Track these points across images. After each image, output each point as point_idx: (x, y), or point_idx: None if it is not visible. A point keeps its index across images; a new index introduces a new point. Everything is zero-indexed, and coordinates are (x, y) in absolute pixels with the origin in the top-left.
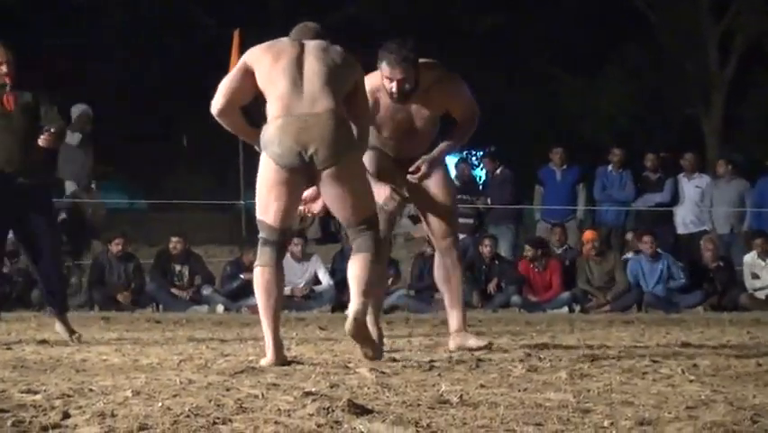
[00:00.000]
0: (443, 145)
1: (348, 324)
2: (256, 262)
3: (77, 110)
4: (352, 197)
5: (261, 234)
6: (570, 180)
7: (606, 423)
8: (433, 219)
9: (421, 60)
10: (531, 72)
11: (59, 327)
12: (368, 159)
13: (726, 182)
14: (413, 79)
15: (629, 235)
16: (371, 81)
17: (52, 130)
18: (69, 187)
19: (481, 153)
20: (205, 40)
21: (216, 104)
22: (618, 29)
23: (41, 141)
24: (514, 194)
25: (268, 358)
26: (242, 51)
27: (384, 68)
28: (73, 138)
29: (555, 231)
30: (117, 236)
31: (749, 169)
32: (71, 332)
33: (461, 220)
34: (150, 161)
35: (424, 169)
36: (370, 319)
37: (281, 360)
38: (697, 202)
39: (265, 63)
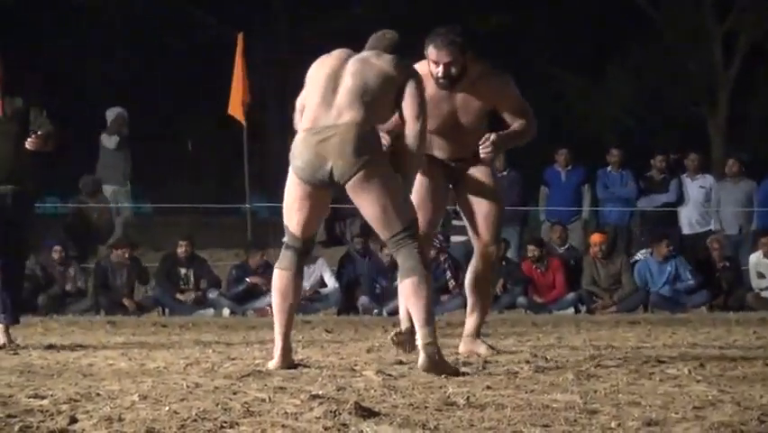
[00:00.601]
0: (512, 130)
1: (420, 358)
2: (277, 264)
3: (111, 113)
4: (377, 208)
5: (285, 239)
6: (574, 181)
7: (613, 424)
8: (478, 226)
9: (470, 53)
10: (534, 73)
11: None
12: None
13: (733, 182)
14: (460, 64)
15: (642, 239)
16: (419, 70)
17: (39, 132)
18: (107, 190)
19: None
20: (207, 41)
21: (294, 120)
22: (621, 28)
23: (29, 143)
24: (521, 196)
25: (275, 361)
26: (245, 55)
27: (431, 51)
28: (110, 141)
29: (556, 230)
30: (123, 244)
31: (755, 168)
32: (7, 342)
33: (460, 223)
34: (154, 166)
35: (492, 140)
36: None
37: (288, 363)
38: (701, 202)
39: (311, 76)
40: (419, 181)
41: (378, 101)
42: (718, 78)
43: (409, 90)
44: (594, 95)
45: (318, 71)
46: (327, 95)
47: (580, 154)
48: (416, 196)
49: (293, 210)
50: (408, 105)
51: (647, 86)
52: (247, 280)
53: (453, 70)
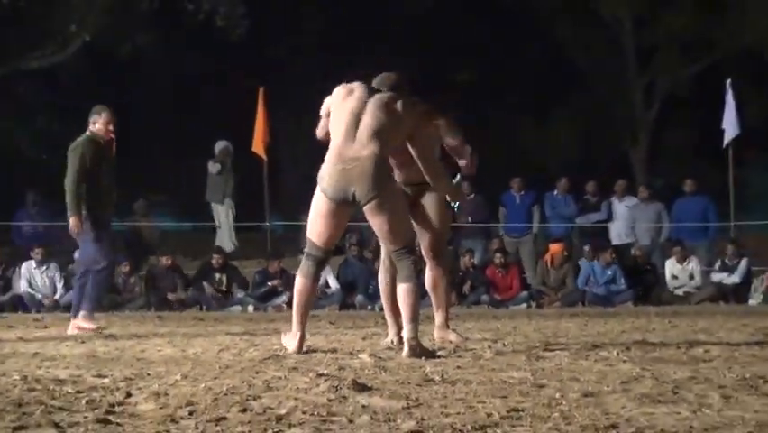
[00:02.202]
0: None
1: (405, 349)
2: (298, 272)
3: (219, 146)
4: (388, 226)
5: (307, 249)
6: (527, 203)
7: (557, 395)
8: (428, 241)
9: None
10: (493, 117)
11: None
12: None
13: (645, 204)
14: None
15: (586, 248)
16: None
17: None
18: (215, 208)
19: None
20: (237, 92)
21: (318, 128)
22: (561, 80)
23: None
24: (486, 215)
25: (293, 346)
26: (265, 106)
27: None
28: (214, 168)
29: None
30: (167, 254)
31: (669, 191)
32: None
33: None
34: (194, 191)
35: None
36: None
37: (302, 347)
38: (627, 219)
39: (336, 106)
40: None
41: (391, 137)
42: (640, 119)
43: (421, 130)
44: (541, 133)
45: (342, 106)
46: (350, 131)
47: (531, 181)
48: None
49: (318, 224)
50: (423, 139)
51: (583, 125)
52: (268, 283)
53: None
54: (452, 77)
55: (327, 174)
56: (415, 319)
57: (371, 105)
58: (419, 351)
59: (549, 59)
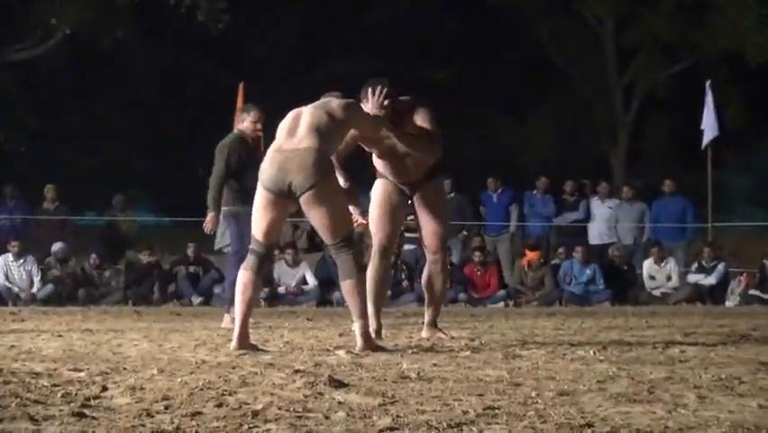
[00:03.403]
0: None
1: (357, 346)
2: (242, 265)
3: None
4: (325, 218)
5: (251, 245)
6: (504, 202)
7: (533, 394)
8: (426, 240)
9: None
10: (474, 115)
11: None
12: (376, 194)
13: (629, 204)
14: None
15: (561, 249)
16: None
17: None
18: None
19: None
20: (218, 89)
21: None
22: (543, 80)
23: None
24: (468, 214)
25: (233, 343)
26: (245, 100)
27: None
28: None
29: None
30: (145, 247)
31: (647, 192)
32: None
33: (411, 235)
34: (173, 186)
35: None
36: (374, 313)
37: (244, 346)
38: (608, 219)
39: (283, 122)
40: (377, 203)
41: (329, 132)
42: (619, 120)
43: (365, 123)
44: (521, 133)
45: (287, 117)
46: (292, 128)
47: (510, 180)
48: (375, 214)
49: (259, 218)
50: (372, 131)
51: (563, 126)
52: None
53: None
54: (429, 75)
55: (266, 165)
56: (364, 315)
57: (311, 107)
58: (372, 347)
59: (529, 58)
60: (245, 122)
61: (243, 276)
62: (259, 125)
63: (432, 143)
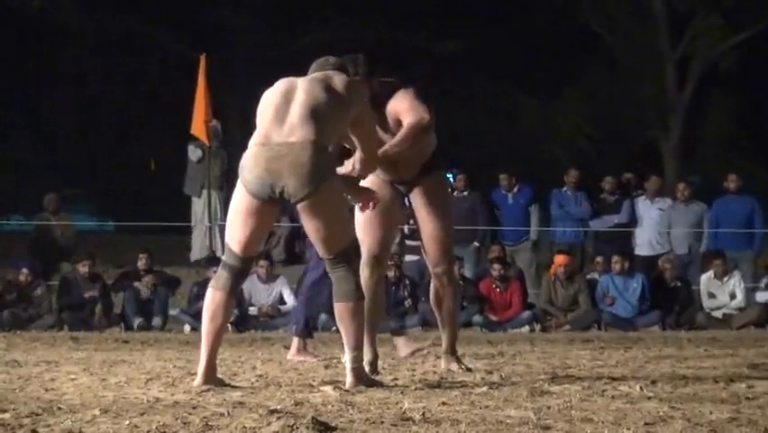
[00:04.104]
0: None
1: (348, 381)
2: (211, 283)
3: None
4: (324, 229)
5: (224, 257)
6: (522, 202)
7: None
8: (427, 247)
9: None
10: (489, 94)
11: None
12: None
13: (684, 205)
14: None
15: (599, 259)
16: None
17: None
18: (193, 203)
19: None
20: (172, 64)
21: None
22: (577, 52)
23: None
24: (484, 217)
25: (197, 379)
26: (207, 76)
27: None
28: (194, 153)
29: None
30: (84, 258)
31: (706, 189)
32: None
33: (412, 243)
34: (117, 185)
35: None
36: (367, 340)
37: (211, 381)
38: (658, 224)
39: (264, 99)
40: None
41: (330, 118)
42: (671, 101)
43: (365, 114)
44: (549, 116)
45: (271, 93)
46: (280, 111)
47: (534, 175)
48: (362, 217)
49: (238, 226)
50: (367, 125)
51: (601, 108)
52: None
53: None
54: (434, 46)
55: (250, 162)
56: (359, 346)
57: (305, 82)
58: (365, 380)
59: (558, 26)
60: None
61: (213, 297)
62: None
63: (414, 136)
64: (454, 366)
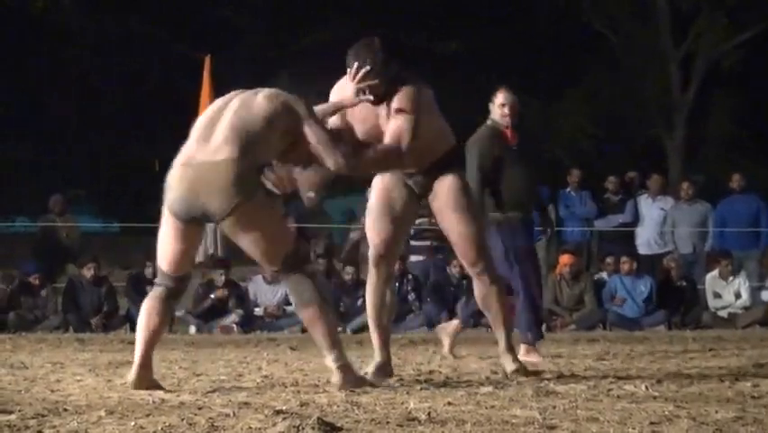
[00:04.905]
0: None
1: (334, 380)
2: (149, 295)
3: None
4: (257, 245)
5: (157, 278)
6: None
7: None
8: (458, 248)
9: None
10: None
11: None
12: (374, 190)
13: (688, 204)
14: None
15: (609, 259)
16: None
17: None
18: None
19: None
20: (174, 64)
21: None
22: (579, 51)
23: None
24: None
25: (130, 378)
26: (212, 77)
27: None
28: None
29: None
30: (89, 261)
31: (711, 189)
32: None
33: (417, 243)
34: (123, 186)
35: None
36: (377, 343)
37: (144, 384)
38: (660, 223)
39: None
40: (373, 201)
41: (257, 138)
42: (675, 100)
43: (308, 132)
44: (551, 116)
45: (206, 112)
46: (207, 130)
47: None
48: (370, 216)
49: (165, 246)
50: (318, 151)
51: (604, 108)
52: (212, 296)
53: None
54: (435, 46)
55: (173, 182)
56: (335, 345)
57: (236, 100)
58: (353, 381)
59: (560, 26)
60: (493, 107)
61: (147, 304)
62: (506, 110)
63: (383, 163)
64: (508, 366)
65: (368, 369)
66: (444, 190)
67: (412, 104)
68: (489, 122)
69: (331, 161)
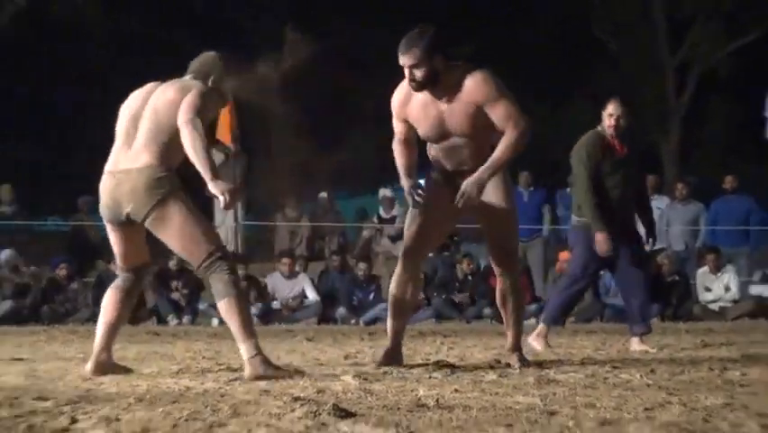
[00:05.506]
0: (488, 163)
1: (246, 372)
2: (111, 285)
3: None
4: (177, 243)
5: (116, 270)
6: (536, 201)
7: (570, 424)
8: (490, 247)
9: (457, 63)
10: None
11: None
12: (426, 184)
13: (682, 204)
14: (425, 67)
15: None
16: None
17: None
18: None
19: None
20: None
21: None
22: (583, 59)
23: None
24: None
25: (88, 366)
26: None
27: (399, 56)
28: (217, 156)
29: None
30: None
31: (704, 190)
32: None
33: None
34: None
35: (464, 197)
36: (391, 330)
37: (101, 370)
38: (657, 222)
39: (121, 112)
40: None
41: (175, 137)
42: (670, 106)
43: (183, 99)
44: (555, 121)
45: (124, 110)
46: (129, 137)
47: (542, 176)
48: (412, 211)
49: (112, 244)
50: (180, 111)
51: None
52: None
53: (417, 73)
54: (451, 49)
55: (101, 192)
56: (250, 336)
57: (152, 100)
58: (264, 370)
59: (565, 33)
60: (604, 116)
61: (107, 295)
62: (612, 120)
63: (517, 151)
64: (513, 360)
65: (377, 354)
66: (488, 189)
67: (496, 88)
68: (598, 128)
69: (521, 128)
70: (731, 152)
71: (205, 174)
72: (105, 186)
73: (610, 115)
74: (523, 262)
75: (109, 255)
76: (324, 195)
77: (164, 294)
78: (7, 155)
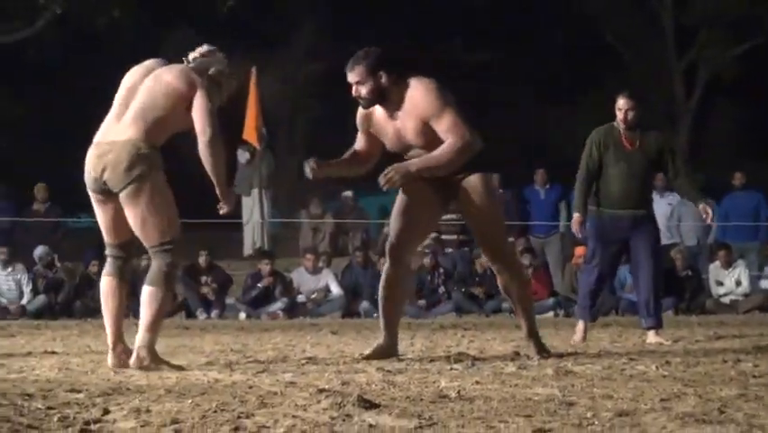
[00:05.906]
0: (421, 158)
1: (132, 358)
2: (103, 271)
3: None
4: (139, 221)
5: (106, 251)
6: (552, 198)
7: (588, 414)
8: (479, 243)
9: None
10: (516, 103)
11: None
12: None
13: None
14: (369, 84)
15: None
16: None
17: None
18: (244, 202)
19: None
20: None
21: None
22: (596, 64)
23: None
24: (516, 212)
25: (109, 360)
26: (258, 87)
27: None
28: (242, 156)
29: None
30: (144, 253)
31: (713, 188)
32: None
33: (445, 237)
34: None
35: (386, 178)
36: (384, 327)
37: (122, 362)
38: (667, 217)
39: (121, 85)
40: (401, 197)
41: (164, 117)
42: (679, 108)
43: (195, 104)
44: (569, 122)
45: (123, 83)
46: (120, 109)
47: (558, 175)
48: (394, 211)
49: (98, 219)
50: (195, 120)
51: (613, 116)
52: (259, 285)
53: (363, 90)
54: (465, 57)
55: (86, 161)
56: (153, 330)
57: (149, 79)
58: (149, 363)
59: (579, 39)
60: (615, 110)
61: (104, 283)
62: (620, 114)
63: (455, 161)
64: (532, 351)
65: (368, 350)
66: (467, 193)
67: (439, 101)
68: (614, 123)
69: (463, 139)
70: (738, 153)
71: (218, 188)
72: (91, 155)
73: (620, 108)
74: (541, 257)
75: (140, 252)
76: (348, 193)
77: (194, 289)
78: (42, 156)
